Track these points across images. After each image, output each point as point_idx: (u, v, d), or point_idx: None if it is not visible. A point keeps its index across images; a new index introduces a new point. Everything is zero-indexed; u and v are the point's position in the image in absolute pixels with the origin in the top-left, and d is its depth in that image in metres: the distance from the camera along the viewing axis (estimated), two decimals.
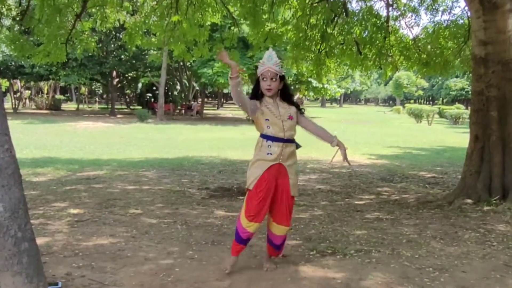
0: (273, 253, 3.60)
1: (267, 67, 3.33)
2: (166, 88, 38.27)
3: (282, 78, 3.40)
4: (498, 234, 4.56)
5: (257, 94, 3.42)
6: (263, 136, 3.38)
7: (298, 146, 3.50)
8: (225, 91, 48.02)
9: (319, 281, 3.29)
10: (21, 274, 2.61)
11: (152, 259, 3.73)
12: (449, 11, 8.88)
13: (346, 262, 3.71)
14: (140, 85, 46.67)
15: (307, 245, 4.18)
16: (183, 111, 39.93)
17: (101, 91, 60.49)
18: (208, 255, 3.86)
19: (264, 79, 3.35)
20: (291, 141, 3.40)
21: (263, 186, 3.31)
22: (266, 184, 3.31)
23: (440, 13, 8.95)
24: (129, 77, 42.70)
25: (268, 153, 3.34)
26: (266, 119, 3.35)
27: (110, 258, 3.75)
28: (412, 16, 9.04)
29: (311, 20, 8.60)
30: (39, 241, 3.16)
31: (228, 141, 17.03)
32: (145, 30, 9.63)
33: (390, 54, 9.15)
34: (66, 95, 60.34)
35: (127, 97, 55.37)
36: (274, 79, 3.34)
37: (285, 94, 3.47)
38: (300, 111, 3.50)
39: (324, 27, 8.48)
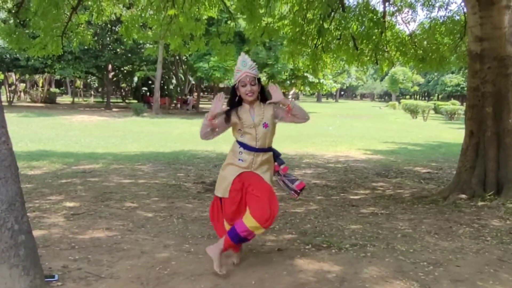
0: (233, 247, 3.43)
1: (244, 72, 3.28)
2: (162, 82, 38.23)
3: (258, 80, 3.35)
4: (492, 229, 4.59)
5: (234, 103, 3.37)
6: (237, 141, 3.40)
7: (277, 154, 3.47)
8: (221, 85, 47.88)
9: (314, 275, 3.31)
10: (17, 266, 2.62)
11: (148, 252, 3.74)
12: (445, 7, 8.93)
13: (341, 256, 3.73)
14: (135, 78, 46.56)
15: (303, 239, 4.20)
16: (178, 105, 39.92)
17: (96, 85, 60.20)
18: (204, 248, 3.86)
19: (244, 85, 3.28)
20: (264, 150, 3.36)
21: (237, 190, 3.33)
22: (239, 187, 3.33)
23: (436, 9, 9.01)
24: (125, 71, 42.59)
25: (239, 159, 3.35)
26: (239, 129, 3.35)
27: (107, 251, 3.75)
28: (408, 11, 9.07)
29: (307, 15, 8.60)
30: (35, 234, 3.16)
31: (223, 135, 16.98)
32: (142, 24, 9.59)
33: (386, 50, 9.17)
34: (61, 88, 60.07)
35: (122, 90, 55.14)
36: (253, 83, 3.28)
37: (263, 96, 3.39)
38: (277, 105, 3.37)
39: (321, 22, 8.48)
